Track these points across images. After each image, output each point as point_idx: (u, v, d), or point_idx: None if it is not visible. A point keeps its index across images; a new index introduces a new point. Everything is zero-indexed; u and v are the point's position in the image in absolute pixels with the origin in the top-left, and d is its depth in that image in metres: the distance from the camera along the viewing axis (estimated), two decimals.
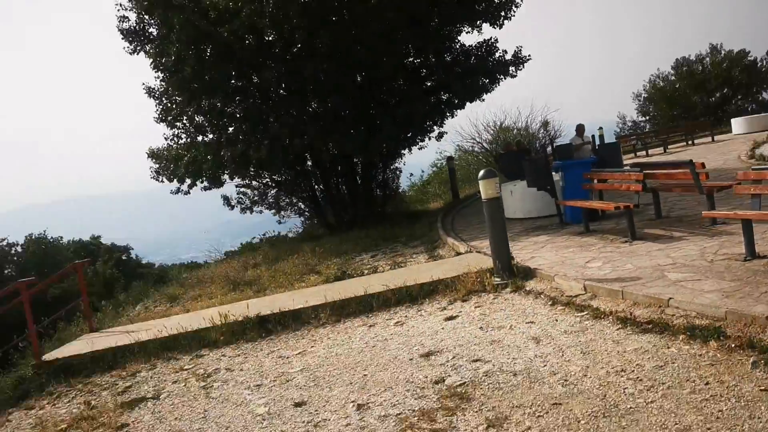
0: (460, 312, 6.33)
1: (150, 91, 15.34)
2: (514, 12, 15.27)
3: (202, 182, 16.33)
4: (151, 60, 14.14)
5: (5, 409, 6.36)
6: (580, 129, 13.42)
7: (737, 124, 25.81)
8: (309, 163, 16.17)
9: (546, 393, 4.09)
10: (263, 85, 14.20)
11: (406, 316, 6.56)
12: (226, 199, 17.44)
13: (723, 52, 38.78)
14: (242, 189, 17.53)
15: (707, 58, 38.96)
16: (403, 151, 16.97)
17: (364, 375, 5.08)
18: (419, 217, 14.88)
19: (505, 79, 15.84)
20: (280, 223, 18.21)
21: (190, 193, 16.53)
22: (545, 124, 23.01)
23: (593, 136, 15.69)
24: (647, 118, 41.48)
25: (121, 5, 13.95)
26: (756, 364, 3.86)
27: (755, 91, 38.58)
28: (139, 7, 13.74)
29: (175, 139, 16.26)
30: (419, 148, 17.14)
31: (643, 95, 41.41)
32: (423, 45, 14.80)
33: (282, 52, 13.64)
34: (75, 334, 8.76)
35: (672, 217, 9.13)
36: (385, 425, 4.10)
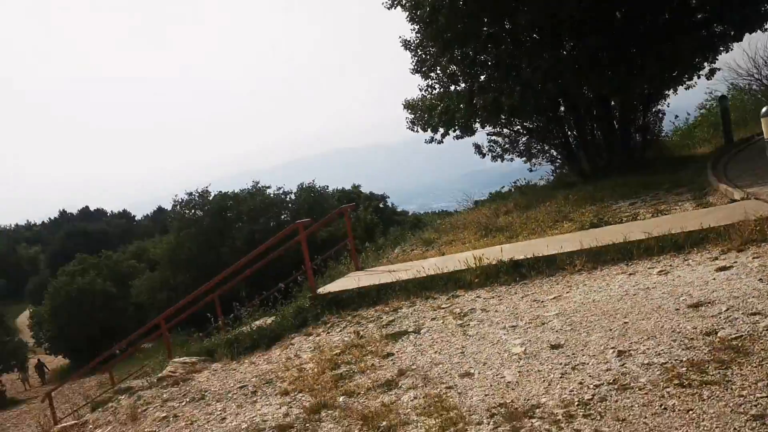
0: (735, 262, 5.53)
1: (406, 44, 15.98)
2: None
3: (454, 131, 16.95)
4: (407, 13, 14.67)
5: (288, 334, 7.32)
6: None
7: None
8: (562, 108, 15.58)
9: None
10: (515, 30, 13.84)
11: (670, 265, 5.94)
12: (478, 148, 17.65)
13: None
14: (493, 137, 17.59)
15: None
16: (666, 92, 15.34)
17: (624, 322, 4.76)
18: (684, 163, 13.35)
19: None
20: (530, 171, 17.97)
21: (443, 141, 17.13)
22: None
23: None
24: None
25: None
26: None
27: None
28: None
29: (429, 89, 16.91)
30: (686, 88, 15.27)
31: None
32: None
33: None
34: (342, 272, 9.69)
35: None
36: (649, 373, 3.82)
